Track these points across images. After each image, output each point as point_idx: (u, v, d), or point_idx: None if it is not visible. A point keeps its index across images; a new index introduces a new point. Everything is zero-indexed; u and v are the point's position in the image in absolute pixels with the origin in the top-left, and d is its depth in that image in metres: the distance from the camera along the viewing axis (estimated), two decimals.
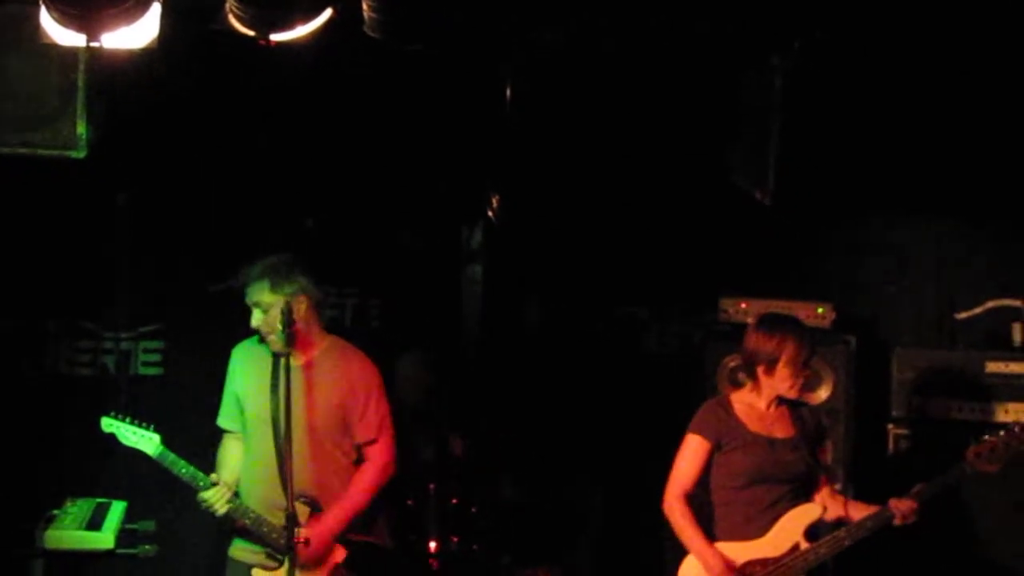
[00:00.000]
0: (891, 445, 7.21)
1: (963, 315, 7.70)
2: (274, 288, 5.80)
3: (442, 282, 8.19)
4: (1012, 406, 7.10)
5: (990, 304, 7.65)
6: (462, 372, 8.04)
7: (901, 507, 5.73)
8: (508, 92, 7.12)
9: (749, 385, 5.91)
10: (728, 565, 5.70)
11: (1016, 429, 5.75)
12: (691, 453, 5.85)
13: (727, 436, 5.81)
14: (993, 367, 7.15)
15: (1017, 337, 7.36)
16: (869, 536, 5.79)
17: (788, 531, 5.73)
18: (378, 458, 5.92)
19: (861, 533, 5.74)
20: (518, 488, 7.95)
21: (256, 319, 5.82)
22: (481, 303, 8.24)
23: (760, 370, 5.82)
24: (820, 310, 7.29)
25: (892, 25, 6.25)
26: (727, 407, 5.89)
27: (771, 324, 5.90)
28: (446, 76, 6.97)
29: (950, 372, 7.20)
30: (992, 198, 7.39)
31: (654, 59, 6.75)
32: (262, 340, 5.85)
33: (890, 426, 7.23)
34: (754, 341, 5.85)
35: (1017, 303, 7.54)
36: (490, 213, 7.80)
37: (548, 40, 6.42)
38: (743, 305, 7.28)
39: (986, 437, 5.76)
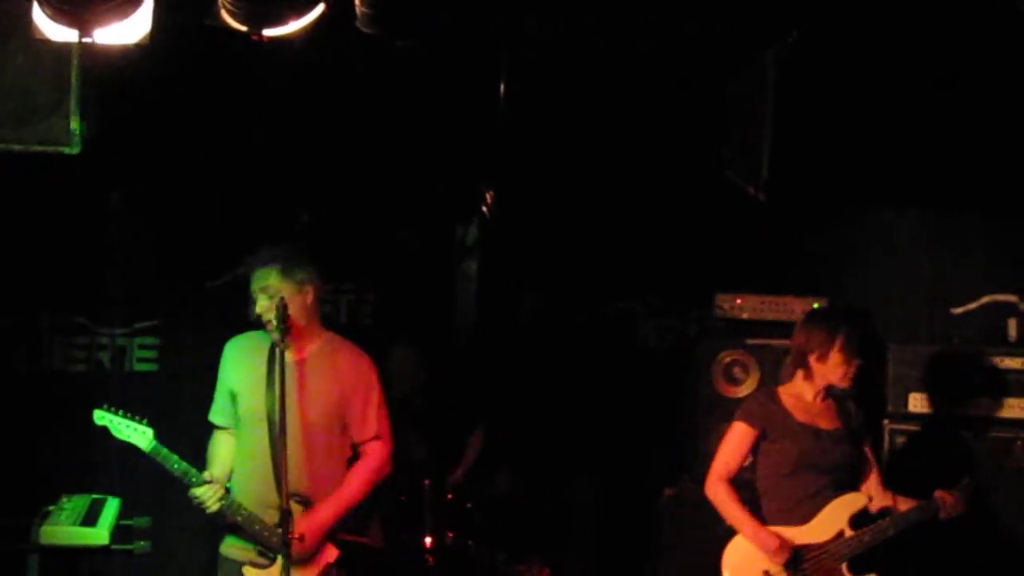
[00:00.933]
0: (887, 441, 7.20)
1: (959, 310, 7.70)
2: (285, 274, 5.71)
3: (437, 278, 8.20)
4: (1008, 401, 7.11)
5: (985, 299, 7.65)
6: (457, 368, 8.04)
7: (947, 500, 5.88)
8: (502, 88, 7.12)
9: (801, 374, 6.01)
10: (784, 542, 5.82)
11: None
12: (736, 439, 6.00)
13: (773, 425, 5.95)
14: (988, 362, 7.15)
15: (1012, 332, 7.36)
16: (914, 527, 5.91)
17: (833, 518, 5.85)
18: (376, 455, 5.86)
19: (904, 524, 5.88)
20: (514, 483, 7.96)
21: (261, 305, 5.71)
22: (476, 299, 8.25)
23: (813, 359, 5.93)
24: (816, 305, 7.30)
25: (886, 16, 6.25)
26: (775, 398, 6.03)
27: (825, 315, 6.15)
28: (439, 72, 6.96)
29: (946, 368, 7.19)
30: (988, 193, 7.38)
31: (647, 55, 6.75)
32: (263, 329, 5.78)
33: (886, 422, 7.21)
34: (807, 331, 5.99)
35: (1012, 298, 7.55)
36: (485, 209, 7.80)
37: (540, 36, 6.42)
38: (738, 301, 7.29)
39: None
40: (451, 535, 7.36)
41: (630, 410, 7.79)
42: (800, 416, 5.95)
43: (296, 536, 5.49)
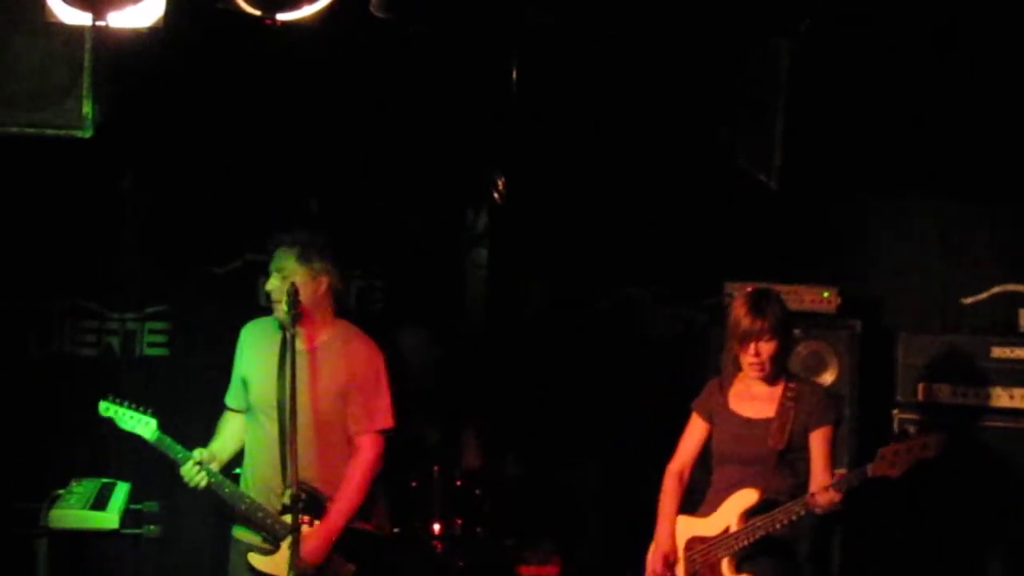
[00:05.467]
0: (896, 430, 7.18)
1: (969, 300, 7.70)
2: (301, 259, 5.74)
3: (447, 265, 8.18)
4: (1017, 391, 7.10)
5: (996, 289, 7.65)
6: (466, 355, 8.03)
7: (817, 500, 5.52)
8: (513, 74, 7.11)
9: None
10: (671, 544, 5.82)
11: (921, 439, 5.48)
12: (688, 428, 5.96)
13: (713, 413, 5.87)
14: (998, 352, 7.14)
15: (1022, 323, 7.34)
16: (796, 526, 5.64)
17: (725, 513, 5.70)
18: (369, 452, 5.84)
19: (775, 525, 5.56)
20: (522, 470, 7.95)
21: (272, 284, 5.74)
22: (486, 286, 8.23)
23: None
24: (826, 294, 7.29)
25: (899, 3, 6.25)
26: (724, 384, 5.90)
27: (739, 296, 5.90)
28: (451, 58, 6.96)
29: (955, 357, 7.18)
30: (999, 182, 7.38)
31: (660, 40, 6.74)
32: (273, 313, 5.78)
33: (895, 411, 7.21)
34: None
35: (1023, 289, 7.55)
36: (495, 196, 7.78)
37: (551, 23, 6.42)
38: (748, 289, 7.25)
39: (891, 444, 5.47)
40: (460, 522, 7.35)
41: (638, 397, 7.78)
42: (733, 404, 5.81)
43: (305, 520, 5.50)
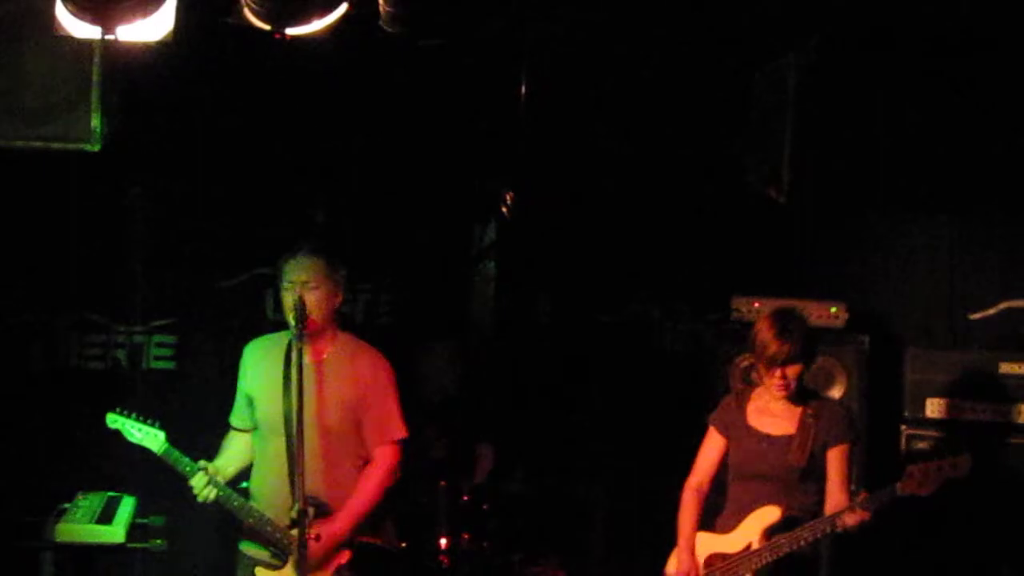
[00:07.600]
0: (904, 446, 7.18)
1: (976, 316, 7.68)
2: (329, 267, 5.71)
3: (455, 278, 8.18)
4: None
5: (1003, 305, 7.63)
6: (474, 369, 8.04)
7: (846, 520, 5.53)
8: (522, 89, 7.11)
9: None
10: (693, 560, 5.78)
11: (951, 459, 5.49)
12: (705, 443, 5.93)
13: (730, 428, 5.84)
14: (1006, 368, 7.12)
15: None
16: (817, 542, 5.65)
17: (747, 530, 5.68)
18: (386, 461, 5.82)
19: (799, 543, 5.58)
20: (529, 485, 7.95)
21: (290, 299, 5.61)
22: (493, 300, 8.23)
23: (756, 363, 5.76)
24: (833, 310, 7.28)
25: (906, 20, 6.24)
26: (742, 398, 5.89)
27: (764, 315, 5.83)
28: (460, 72, 6.96)
29: (963, 373, 7.17)
30: (1006, 198, 7.37)
31: (669, 56, 6.75)
32: (284, 328, 5.74)
33: (903, 426, 7.20)
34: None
35: None
36: (503, 210, 7.78)
37: (561, 38, 6.42)
38: (755, 304, 7.26)
39: (920, 463, 5.51)
40: (466, 536, 7.34)
41: (646, 412, 7.78)
42: (752, 419, 5.79)
43: (313, 536, 5.47)
